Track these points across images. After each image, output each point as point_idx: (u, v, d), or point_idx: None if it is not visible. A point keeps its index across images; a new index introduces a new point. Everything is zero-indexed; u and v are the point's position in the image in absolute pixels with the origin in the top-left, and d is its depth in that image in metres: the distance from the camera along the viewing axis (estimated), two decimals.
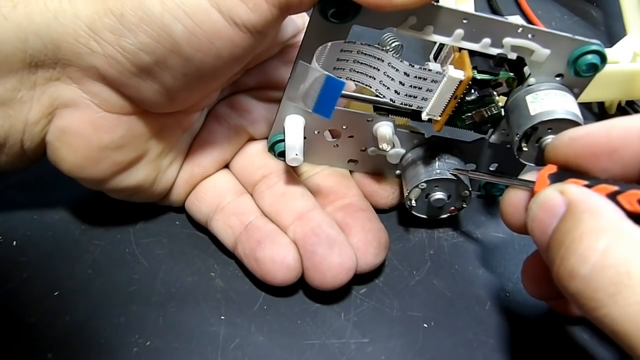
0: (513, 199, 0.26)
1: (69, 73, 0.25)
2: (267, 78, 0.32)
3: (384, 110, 0.30)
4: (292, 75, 0.27)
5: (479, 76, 0.28)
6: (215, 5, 0.24)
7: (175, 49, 0.24)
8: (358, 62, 0.27)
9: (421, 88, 0.28)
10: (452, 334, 0.30)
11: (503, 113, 0.29)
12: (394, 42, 0.29)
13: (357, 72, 0.27)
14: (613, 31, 0.47)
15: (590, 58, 0.27)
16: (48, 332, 0.28)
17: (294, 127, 0.29)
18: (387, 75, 0.27)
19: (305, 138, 0.30)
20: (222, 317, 0.30)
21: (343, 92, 0.25)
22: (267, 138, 0.32)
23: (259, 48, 0.26)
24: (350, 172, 0.34)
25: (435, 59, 0.31)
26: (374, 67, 0.27)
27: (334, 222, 0.30)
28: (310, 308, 0.30)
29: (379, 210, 0.33)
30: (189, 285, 0.31)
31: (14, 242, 0.31)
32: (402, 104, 0.28)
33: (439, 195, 0.31)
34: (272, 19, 0.24)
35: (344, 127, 0.31)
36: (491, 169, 0.33)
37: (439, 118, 0.29)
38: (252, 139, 0.33)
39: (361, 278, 0.31)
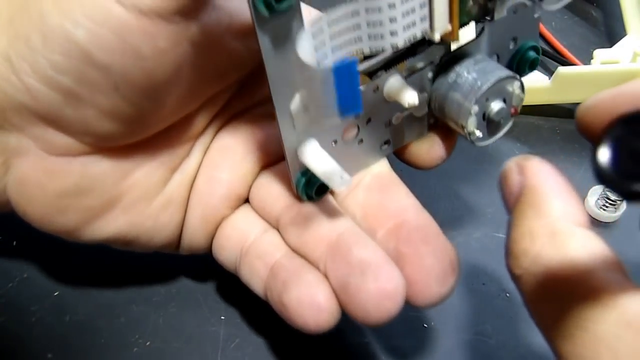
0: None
1: (9, 119, 0.23)
2: (266, 88, 0.27)
3: (378, 71, 0.26)
4: (275, 100, 0.23)
5: None
6: None
7: (87, 60, 0.21)
8: (335, 34, 0.21)
9: (414, 9, 0.22)
10: (452, 334, 0.30)
11: None
12: None
13: (340, 46, 0.22)
14: (613, 31, 0.47)
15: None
16: (48, 332, 0.28)
17: (315, 153, 0.24)
18: (372, 24, 0.22)
19: None
20: (222, 317, 0.30)
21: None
22: (283, 159, 0.26)
23: (197, 36, 0.22)
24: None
25: None
26: (354, 26, 0.22)
27: (373, 242, 0.25)
28: None
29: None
30: (189, 285, 0.31)
31: (14, 242, 0.31)
32: (406, 41, 0.23)
33: (497, 105, 0.25)
34: None
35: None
36: (512, 46, 0.28)
37: (451, 26, 0.24)
38: (266, 165, 0.28)
39: None
